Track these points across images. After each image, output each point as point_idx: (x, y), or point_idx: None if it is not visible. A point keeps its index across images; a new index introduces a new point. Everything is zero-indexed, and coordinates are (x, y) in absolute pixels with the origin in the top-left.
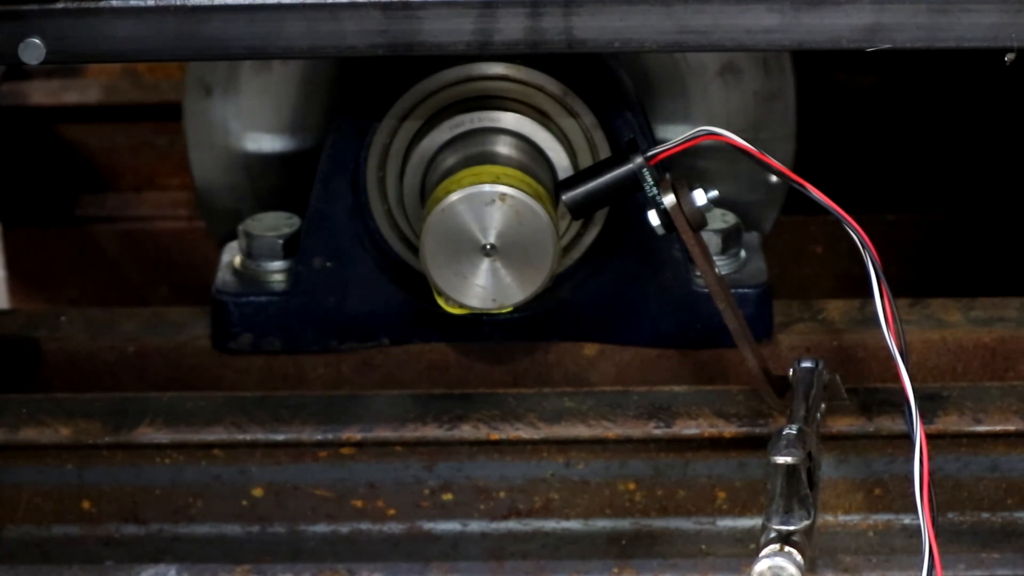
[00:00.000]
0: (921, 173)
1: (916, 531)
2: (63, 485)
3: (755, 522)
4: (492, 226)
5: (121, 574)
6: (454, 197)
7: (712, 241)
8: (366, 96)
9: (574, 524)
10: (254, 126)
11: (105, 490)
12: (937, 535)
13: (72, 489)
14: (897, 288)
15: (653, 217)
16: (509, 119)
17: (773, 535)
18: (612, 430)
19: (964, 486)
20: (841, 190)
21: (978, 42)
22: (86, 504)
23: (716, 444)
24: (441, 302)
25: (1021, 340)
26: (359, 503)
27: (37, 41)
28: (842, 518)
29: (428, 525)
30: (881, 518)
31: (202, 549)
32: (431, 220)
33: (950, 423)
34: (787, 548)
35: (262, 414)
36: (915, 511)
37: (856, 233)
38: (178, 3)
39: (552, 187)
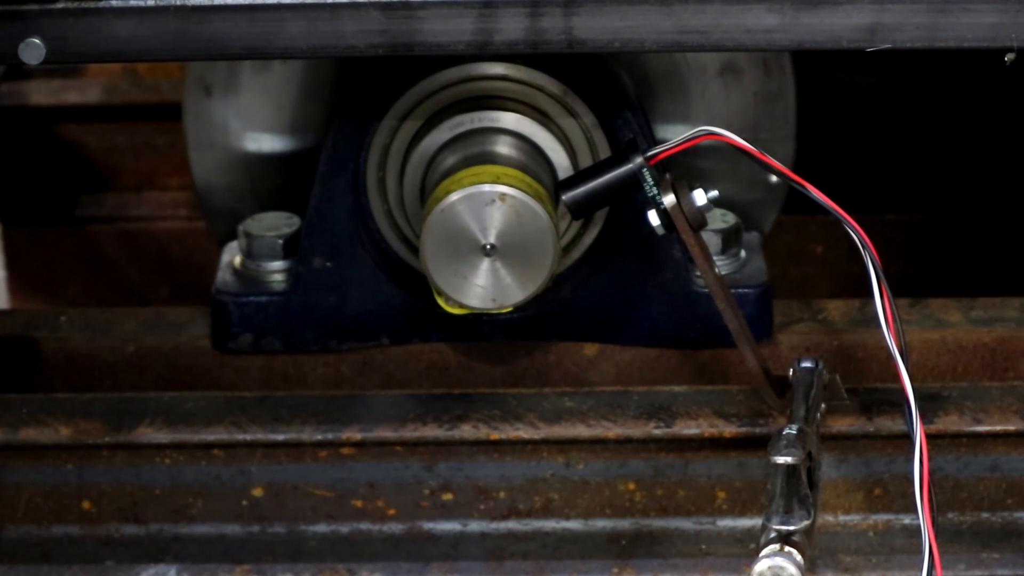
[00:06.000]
0: (921, 173)
1: (916, 531)
2: (63, 485)
3: (755, 522)
4: (492, 226)
5: (121, 574)
6: (454, 197)
7: (712, 241)
8: (366, 96)
9: (574, 524)
10: (254, 126)
11: (105, 490)
12: (937, 535)
13: (72, 489)
14: (897, 288)
15: (653, 217)
16: (509, 119)
17: (773, 535)
18: (612, 430)
19: (964, 486)
20: (841, 190)
21: (978, 42)
22: (86, 504)
23: (716, 444)
24: (441, 302)
25: (1021, 340)
26: (359, 503)
27: (37, 41)
28: (842, 518)
29: (428, 525)
30: (881, 518)
31: (202, 549)
32: (431, 220)
33: (950, 423)
34: (787, 548)
35: (262, 414)
36: (915, 511)
37: (856, 233)
38: (178, 3)
39: (552, 187)
